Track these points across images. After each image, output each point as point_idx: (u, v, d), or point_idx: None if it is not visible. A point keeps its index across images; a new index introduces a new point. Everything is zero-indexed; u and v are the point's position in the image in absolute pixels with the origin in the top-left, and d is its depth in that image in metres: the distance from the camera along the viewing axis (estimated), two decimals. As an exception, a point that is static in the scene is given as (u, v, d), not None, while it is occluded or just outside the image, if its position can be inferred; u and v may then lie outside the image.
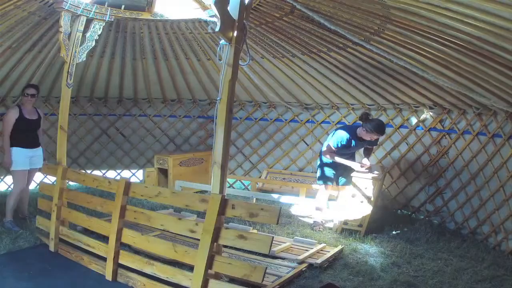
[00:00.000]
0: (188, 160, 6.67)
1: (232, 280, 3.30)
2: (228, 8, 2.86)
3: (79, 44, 4.35)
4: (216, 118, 2.93)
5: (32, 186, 6.80)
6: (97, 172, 7.39)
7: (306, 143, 6.86)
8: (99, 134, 7.32)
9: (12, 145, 4.63)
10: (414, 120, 5.75)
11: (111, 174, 7.49)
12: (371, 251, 4.35)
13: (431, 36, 3.55)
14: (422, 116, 5.62)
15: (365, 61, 4.80)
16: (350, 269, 3.84)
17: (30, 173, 4.87)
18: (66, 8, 4.17)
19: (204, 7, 4.75)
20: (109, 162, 7.43)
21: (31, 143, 4.78)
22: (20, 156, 4.64)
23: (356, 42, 4.43)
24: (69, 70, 4.31)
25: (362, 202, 4.90)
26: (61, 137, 4.34)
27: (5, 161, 4.68)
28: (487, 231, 4.62)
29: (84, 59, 4.46)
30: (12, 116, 4.64)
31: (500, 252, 4.32)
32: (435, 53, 3.86)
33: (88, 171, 7.32)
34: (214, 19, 3.27)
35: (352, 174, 4.97)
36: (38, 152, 4.86)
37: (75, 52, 4.32)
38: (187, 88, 7.15)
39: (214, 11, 2.72)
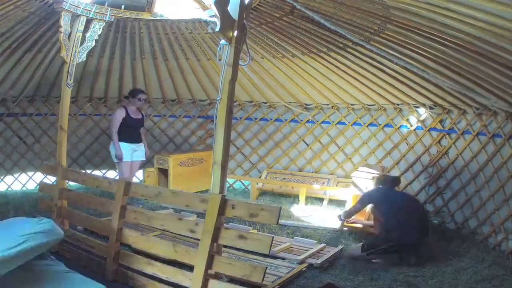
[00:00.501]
0: (188, 160, 6.67)
1: (232, 280, 3.31)
2: (228, 8, 2.85)
3: (79, 44, 4.34)
4: (216, 118, 2.93)
5: (32, 186, 6.83)
6: (97, 172, 7.39)
7: (306, 143, 6.86)
8: (99, 134, 7.32)
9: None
10: (414, 120, 5.75)
11: (111, 174, 7.49)
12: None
13: (431, 36, 3.55)
14: (423, 115, 5.63)
15: (365, 61, 4.80)
16: (350, 269, 3.84)
17: (133, 166, 5.71)
18: (66, 8, 4.17)
19: (204, 7, 4.75)
20: (109, 162, 7.40)
21: (135, 138, 5.66)
22: (124, 150, 5.48)
23: (356, 42, 4.43)
24: (69, 70, 4.31)
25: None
26: (61, 137, 4.33)
27: (117, 154, 5.45)
28: (487, 231, 4.62)
29: (84, 59, 4.46)
30: (119, 115, 5.52)
31: (500, 252, 4.32)
32: (435, 53, 3.86)
33: (88, 171, 7.32)
34: (214, 19, 3.27)
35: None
36: (140, 147, 5.76)
37: (75, 52, 4.31)
38: (186, 88, 7.15)
39: (214, 11, 2.72)
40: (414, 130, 5.75)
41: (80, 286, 2.92)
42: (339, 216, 4.74)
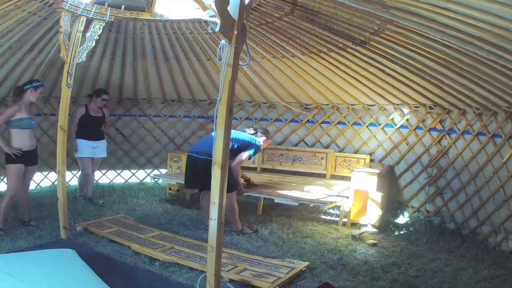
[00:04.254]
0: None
1: (232, 280, 3.31)
2: (228, 8, 2.85)
3: (79, 44, 4.34)
4: (216, 118, 2.93)
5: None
6: (97, 172, 7.38)
7: (306, 143, 6.86)
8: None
9: (77, 137, 5.76)
10: (414, 120, 5.75)
11: (111, 174, 7.50)
12: (371, 251, 4.36)
13: (431, 36, 3.55)
14: (418, 115, 5.63)
15: (365, 61, 4.80)
16: (350, 269, 3.85)
17: (94, 162, 6.00)
18: (66, 8, 4.17)
19: (204, 7, 4.75)
20: (109, 162, 7.42)
21: (95, 136, 5.88)
22: (84, 146, 5.77)
23: (356, 42, 4.44)
24: (69, 70, 4.31)
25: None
26: (61, 137, 4.33)
27: (74, 149, 5.76)
28: (487, 231, 4.62)
29: (84, 59, 4.46)
30: (78, 113, 5.78)
31: (500, 252, 4.32)
32: (435, 53, 3.86)
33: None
34: (214, 19, 3.27)
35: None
36: (101, 144, 6.00)
37: (75, 52, 4.31)
38: (187, 88, 7.15)
39: (214, 11, 2.72)
40: (414, 130, 5.75)
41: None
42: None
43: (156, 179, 7.10)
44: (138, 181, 7.60)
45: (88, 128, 5.82)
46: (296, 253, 4.25)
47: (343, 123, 6.48)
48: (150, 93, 7.24)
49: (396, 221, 5.53)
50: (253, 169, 6.84)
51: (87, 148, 5.82)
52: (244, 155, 4.78)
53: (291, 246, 4.44)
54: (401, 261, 4.08)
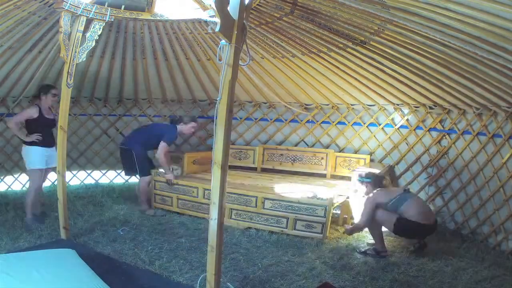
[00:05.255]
0: (201, 159, 6.67)
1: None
2: (228, 8, 2.85)
3: (79, 44, 4.34)
4: (216, 118, 2.93)
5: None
6: (97, 173, 7.39)
7: (306, 143, 6.87)
8: (100, 134, 7.32)
9: (30, 144, 4.84)
10: (414, 120, 5.75)
11: (111, 174, 7.50)
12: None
13: (431, 36, 3.55)
14: (419, 116, 5.64)
15: (365, 61, 4.81)
16: (350, 269, 3.85)
17: (46, 173, 5.13)
18: (66, 8, 4.17)
19: (204, 7, 4.75)
20: (109, 162, 7.43)
21: (48, 142, 4.98)
22: (37, 155, 4.86)
23: (356, 42, 4.44)
24: (69, 70, 4.31)
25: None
26: (61, 137, 4.34)
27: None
28: (487, 231, 4.63)
29: (84, 59, 4.46)
30: (28, 114, 4.90)
31: (500, 252, 4.33)
32: (435, 53, 3.86)
33: (88, 171, 7.33)
34: (214, 19, 3.27)
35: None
36: (54, 151, 4.84)
37: (75, 52, 4.32)
38: (187, 88, 7.15)
39: (214, 11, 2.72)
40: (414, 130, 5.75)
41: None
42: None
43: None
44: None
45: (43, 132, 4.89)
46: (296, 252, 4.26)
47: (343, 123, 6.49)
48: (150, 93, 7.24)
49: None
50: (253, 169, 6.85)
51: (42, 158, 4.87)
52: (161, 144, 5.61)
53: (291, 246, 4.44)
54: (401, 261, 4.08)
